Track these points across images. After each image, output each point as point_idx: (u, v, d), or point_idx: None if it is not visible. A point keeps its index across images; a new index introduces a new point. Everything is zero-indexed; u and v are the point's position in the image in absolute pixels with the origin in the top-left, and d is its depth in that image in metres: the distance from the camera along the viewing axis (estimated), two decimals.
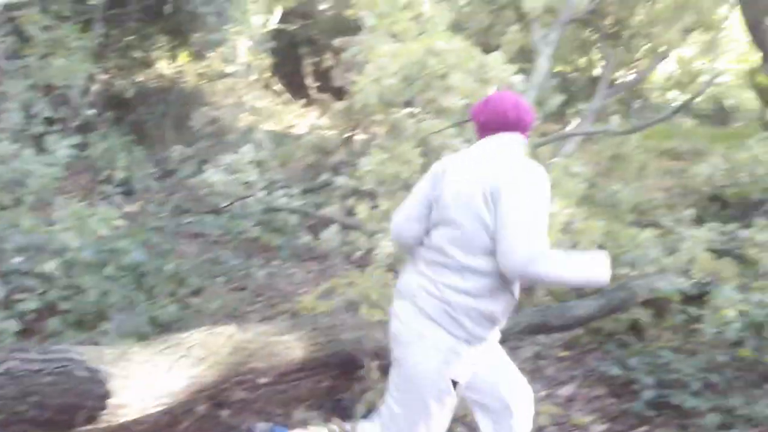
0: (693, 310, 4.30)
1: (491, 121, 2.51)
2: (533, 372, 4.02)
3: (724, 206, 7.21)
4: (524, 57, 6.85)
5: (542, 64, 5.21)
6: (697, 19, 6.05)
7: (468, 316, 2.29)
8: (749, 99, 13.49)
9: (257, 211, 6.34)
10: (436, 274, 2.36)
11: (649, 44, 8.53)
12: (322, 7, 14.64)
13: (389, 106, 4.43)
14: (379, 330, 3.31)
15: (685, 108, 8.48)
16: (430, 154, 4.43)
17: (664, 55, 8.79)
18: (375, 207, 4.86)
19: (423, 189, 2.52)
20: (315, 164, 8.38)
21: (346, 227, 5.79)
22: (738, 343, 3.87)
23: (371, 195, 5.94)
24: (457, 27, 4.72)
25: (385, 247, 4.34)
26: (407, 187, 4.65)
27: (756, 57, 10.08)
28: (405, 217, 2.53)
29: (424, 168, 4.64)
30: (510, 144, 2.45)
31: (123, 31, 9.40)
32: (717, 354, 3.92)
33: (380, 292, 3.96)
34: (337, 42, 9.18)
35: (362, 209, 4.84)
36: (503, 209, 2.23)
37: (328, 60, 15.00)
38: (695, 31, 7.15)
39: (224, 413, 3.12)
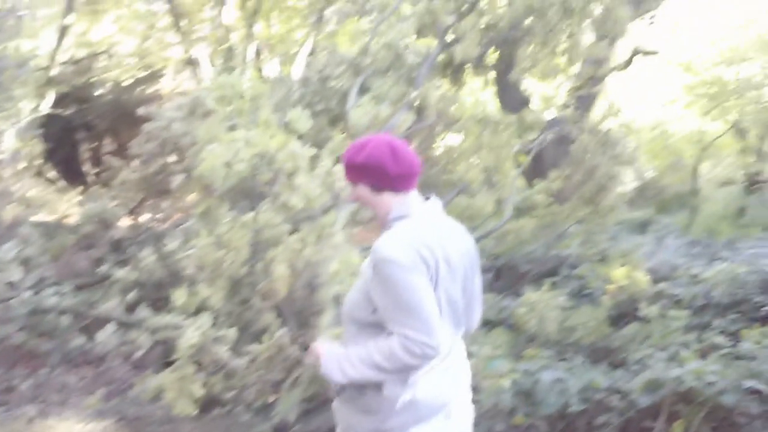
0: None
1: (408, 174, 2.22)
2: None
3: (497, 277, 7.75)
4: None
5: None
6: (495, 161, 6.64)
7: None
8: None
9: (22, 314, 5.75)
10: (459, 357, 2.32)
11: (450, 179, 9.14)
12: (99, 92, 14.14)
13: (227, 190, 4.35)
14: (186, 424, 3.18)
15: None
16: (259, 244, 4.37)
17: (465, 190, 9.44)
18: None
19: (428, 284, 2.08)
20: (94, 241, 7.86)
21: (124, 325, 5.44)
22: (513, 411, 4.09)
23: (159, 286, 5.67)
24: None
25: (191, 338, 4.13)
26: (227, 275, 4.50)
27: None
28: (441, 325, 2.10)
29: (251, 258, 4.53)
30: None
31: None
32: (495, 423, 4.11)
33: (183, 385, 3.78)
34: (141, 110, 8.85)
35: (180, 295, 4.58)
36: (478, 276, 2.38)
37: (108, 144, 14.45)
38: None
39: None
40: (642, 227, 11.66)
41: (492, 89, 11.56)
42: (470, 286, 2.31)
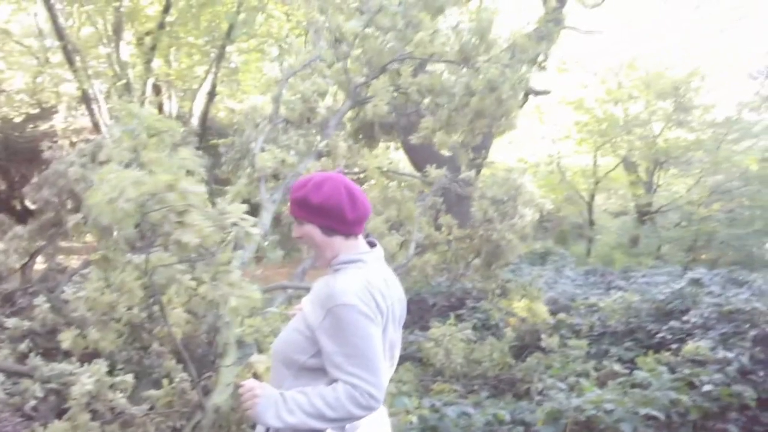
0: None
1: (363, 217, 2.15)
2: None
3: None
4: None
5: (266, 218, 5.38)
6: (398, 213, 6.74)
7: None
8: None
9: None
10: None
11: None
12: None
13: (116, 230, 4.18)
14: None
15: None
16: (154, 286, 4.21)
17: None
18: None
19: (380, 334, 2.04)
20: None
21: (15, 375, 5.13)
22: None
23: (53, 334, 5.40)
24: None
25: (86, 384, 3.92)
26: (124, 320, 4.31)
27: None
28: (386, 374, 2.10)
29: (146, 300, 4.36)
30: None
31: None
32: None
33: None
34: (46, 153, 8.39)
35: (66, 337, 4.35)
36: None
37: None
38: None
39: None
40: (542, 258, 12.06)
41: (401, 147, 11.89)
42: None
